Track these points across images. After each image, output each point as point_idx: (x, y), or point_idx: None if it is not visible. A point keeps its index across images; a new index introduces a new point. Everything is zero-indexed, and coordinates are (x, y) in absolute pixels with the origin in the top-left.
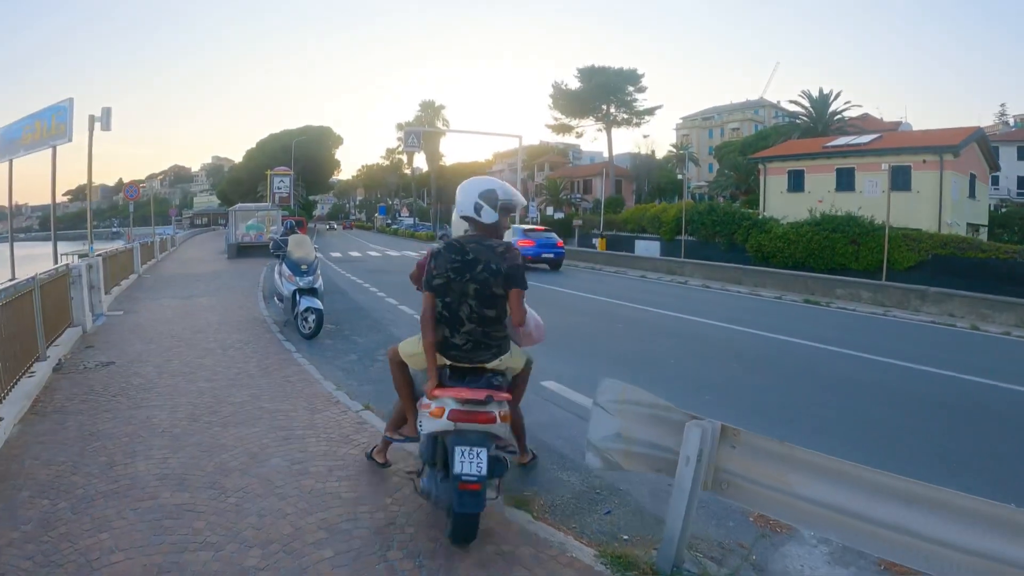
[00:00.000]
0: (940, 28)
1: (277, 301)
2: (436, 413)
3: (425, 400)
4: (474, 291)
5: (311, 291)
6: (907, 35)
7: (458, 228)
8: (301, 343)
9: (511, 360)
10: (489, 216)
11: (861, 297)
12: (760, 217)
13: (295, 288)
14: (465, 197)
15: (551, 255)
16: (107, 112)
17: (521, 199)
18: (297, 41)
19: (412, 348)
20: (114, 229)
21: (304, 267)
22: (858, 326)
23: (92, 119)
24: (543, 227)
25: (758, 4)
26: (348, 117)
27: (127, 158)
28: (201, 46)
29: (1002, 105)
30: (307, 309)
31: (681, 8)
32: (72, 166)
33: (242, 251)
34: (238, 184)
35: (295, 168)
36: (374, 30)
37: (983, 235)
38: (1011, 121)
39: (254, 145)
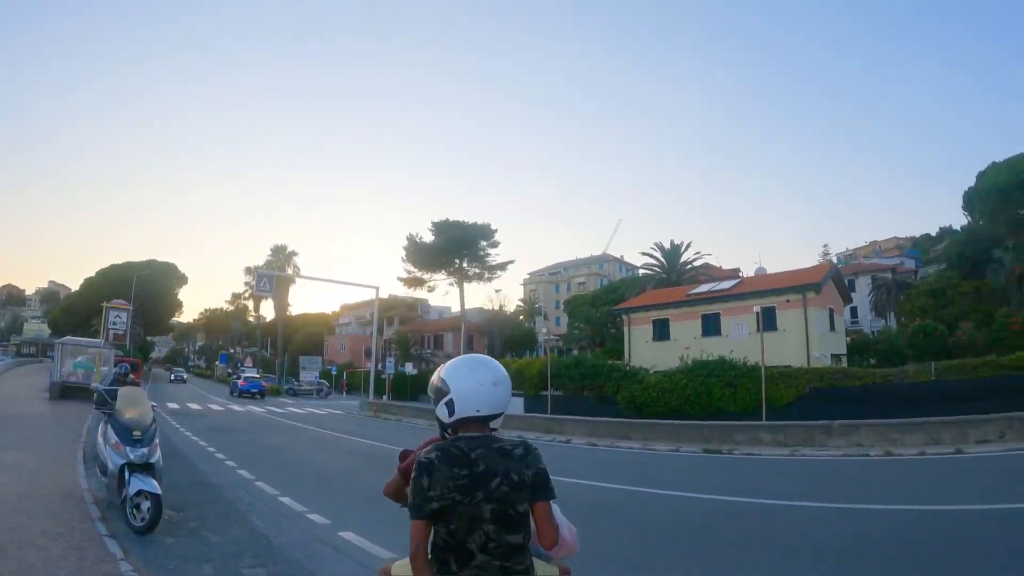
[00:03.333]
0: (763, 179)
1: (100, 474)
2: None
3: None
4: (491, 513)
5: (146, 467)
6: (735, 189)
7: (441, 415)
8: (132, 541)
9: None
10: (443, 416)
11: (762, 440)
12: (628, 368)
13: (124, 462)
14: (458, 383)
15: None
16: None
17: (495, 405)
18: (148, 173)
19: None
20: None
21: (137, 434)
22: (779, 471)
23: None
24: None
25: (600, 167)
26: (194, 256)
27: None
28: (52, 164)
29: (825, 245)
30: (140, 493)
31: (529, 166)
32: None
33: (67, 392)
34: (72, 314)
35: (134, 304)
36: (228, 170)
37: (844, 363)
38: (834, 259)
39: (94, 274)
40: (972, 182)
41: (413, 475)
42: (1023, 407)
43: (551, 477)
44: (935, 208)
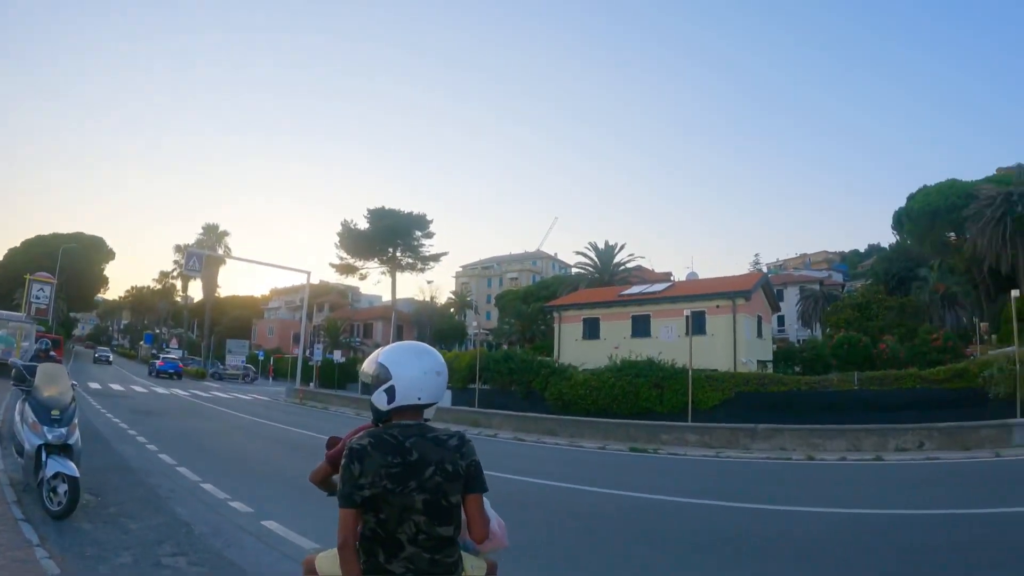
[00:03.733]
0: (698, 186)
1: (16, 454)
2: None
3: None
4: (423, 504)
5: (64, 448)
6: (671, 195)
7: (379, 402)
8: (48, 526)
9: None
10: (380, 403)
11: (688, 441)
12: (558, 365)
13: (41, 443)
14: (402, 370)
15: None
16: None
17: (433, 394)
18: (77, 142)
19: (335, 568)
20: None
21: (56, 413)
22: (704, 472)
23: None
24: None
25: (538, 165)
26: (122, 232)
27: None
28: None
29: (756, 255)
30: (57, 475)
31: (467, 160)
32: None
33: None
34: None
35: (59, 278)
36: (161, 145)
37: (770, 370)
38: (764, 268)
39: (18, 244)
40: (902, 202)
41: (343, 462)
42: (941, 418)
43: None
44: (865, 225)
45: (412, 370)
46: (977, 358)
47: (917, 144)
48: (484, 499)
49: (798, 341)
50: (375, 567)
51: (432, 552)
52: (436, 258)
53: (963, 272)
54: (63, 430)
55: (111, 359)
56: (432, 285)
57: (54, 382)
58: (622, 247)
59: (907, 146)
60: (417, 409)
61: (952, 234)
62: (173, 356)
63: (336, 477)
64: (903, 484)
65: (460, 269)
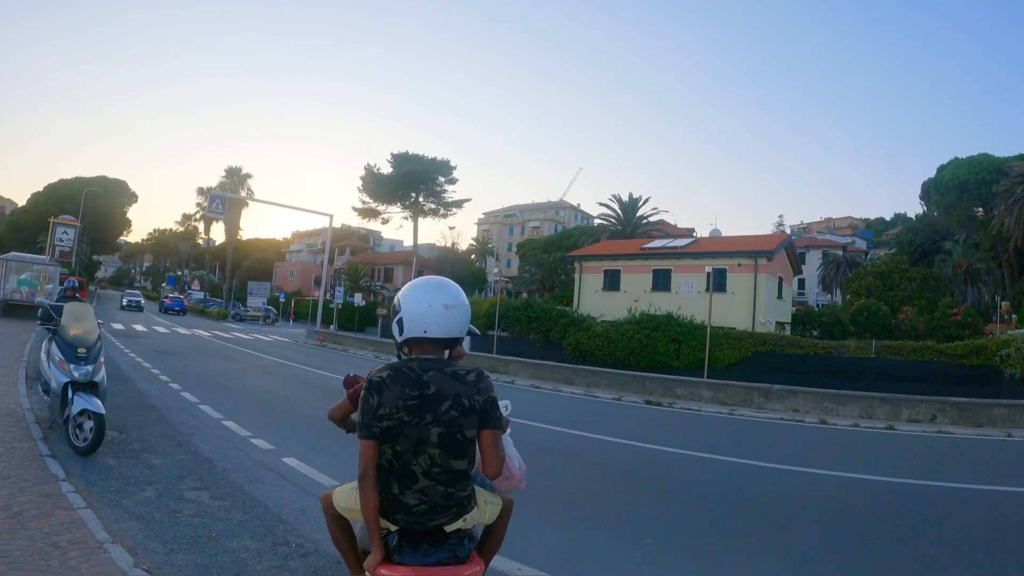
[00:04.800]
0: (727, 145)
1: (43, 392)
2: None
3: None
4: (439, 437)
5: (90, 386)
6: (698, 152)
7: (395, 333)
8: (73, 462)
9: (480, 516)
10: (398, 336)
11: (703, 396)
12: (577, 315)
13: (67, 380)
14: (409, 303)
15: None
16: None
17: (452, 329)
18: (100, 84)
19: (350, 501)
20: None
21: (82, 351)
22: (717, 428)
23: None
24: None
25: (565, 115)
26: (146, 175)
27: None
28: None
29: (780, 216)
30: (83, 412)
31: (494, 107)
32: None
33: (10, 310)
34: (18, 230)
35: (82, 221)
36: (186, 89)
37: (788, 332)
38: (788, 230)
39: (41, 188)
40: (932, 173)
41: (363, 394)
42: (955, 393)
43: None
44: (892, 194)
45: (418, 304)
46: (996, 336)
47: (951, 115)
48: (507, 440)
49: (818, 305)
50: (389, 498)
51: (445, 485)
52: (459, 204)
53: (988, 249)
54: (89, 367)
55: (142, 304)
56: (454, 231)
57: (80, 321)
58: (646, 200)
59: (941, 116)
60: (435, 344)
61: (980, 209)
62: (178, 295)
63: (355, 415)
64: (915, 454)
65: (482, 216)
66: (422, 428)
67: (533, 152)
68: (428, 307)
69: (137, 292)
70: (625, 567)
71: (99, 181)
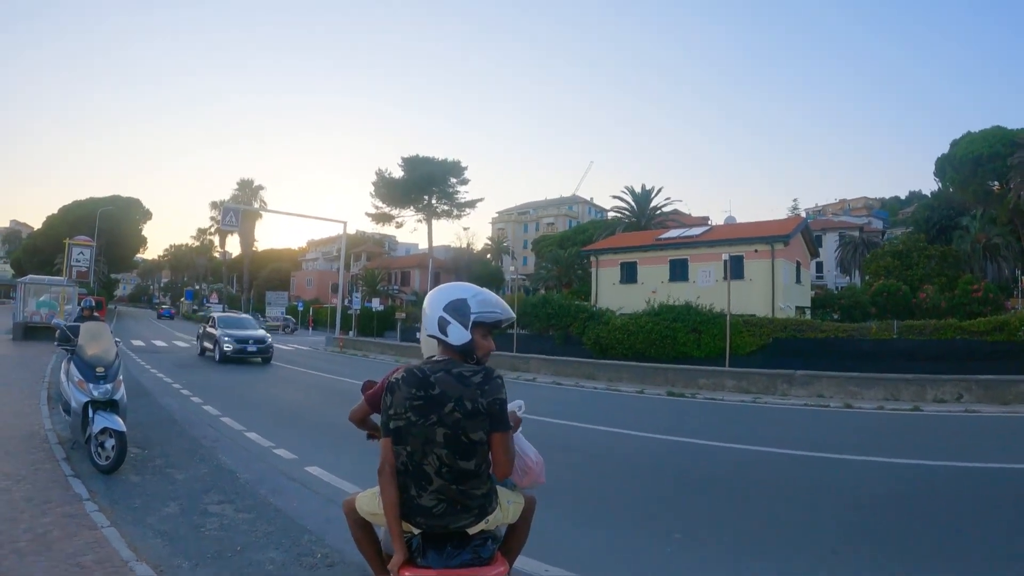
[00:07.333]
0: (736, 130)
1: (63, 412)
2: None
3: None
4: (443, 438)
5: (110, 404)
6: (708, 138)
7: (428, 349)
8: (96, 480)
9: (502, 516)
10: (458, 335)
11: (725, 386)
12: (595, 309)
13: (87, 400)
14: (430, 310)
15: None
16: None
17: (508, 311)
18: (112, 107)
19: (373, 505)
20: None
21: (100, 370)
22: (741, 417)
23: None
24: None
25: (574, 109)
26: (158, 191)
27: None
28: (12, 102)
29: (794, 200)
30: (104, 431)
31: (502, 105)
32: None
33: (30, 332)
34: (35, 253)
35: (98, 241)
36: (194, 103)
37: (808, 316)
38: (803, 213)
39: (56, 211)
40: (945, 149)
41: (383, 396)
42: (980, 370)
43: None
44: (906, 172)
45: (482, 292)
46: (1019, 311)
47: (961, 89)
48: (520, 436)
49: (836, 288)
50: (408, 501)
51: (458, 483)
52: (472, 204)
53: (1006, 223)
54: (108, 386)
55: (172, 314)
56: (468, 232)
57: (97, 340)
58: (659, 191)
59: (952, 91)
60: (454, 348)
61: (995, 183)
62: (166, 304)
63: (373, 416)
64: (944, 435)
65: (496, 215)
66: (428, 428)
67: (543, 149)
68: (432, 311)
69: (168, 306)
70: (653, 564)
71: (113, 200)
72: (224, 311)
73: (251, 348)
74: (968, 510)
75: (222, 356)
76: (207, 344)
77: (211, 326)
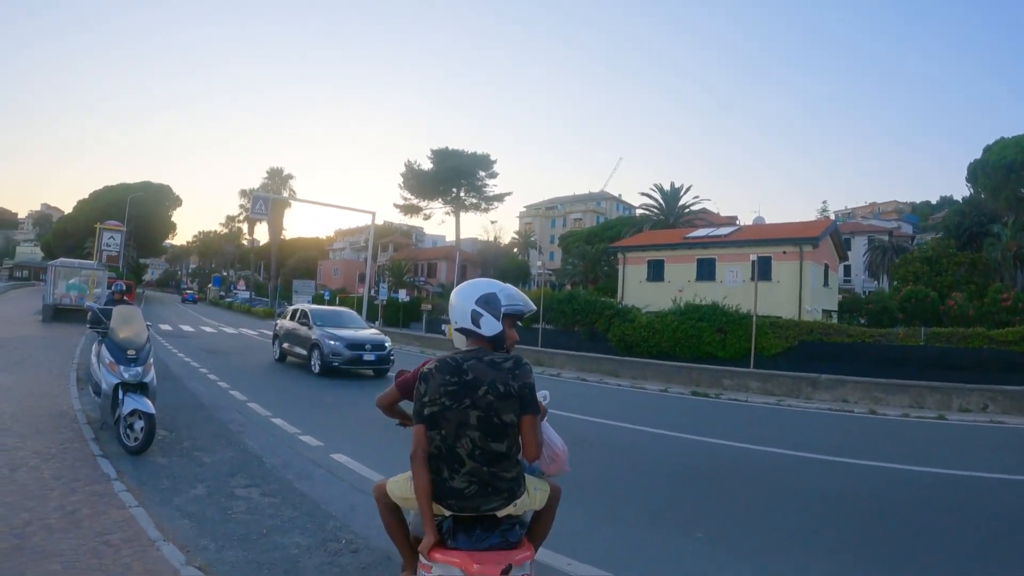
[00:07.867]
0: (767, 131)
1: (94, 394)
2: None
3: (424, 561)
4: (477, 420)
5: (140, 387)
6: (738, 138)
7: (457, 342)
8: (124, 461)
9: (529, 501)
10: (491, 327)
11: (750, 387)
12: (621, 306)
13: (118, 382)
14: (461, 304)
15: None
16: None
17: (530, 304)
18: (144, 94)
19: (404, 490)
20: None
21: (131, 353)
22: (765, 419)
23: None
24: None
25: (604, 105)
26: (188, 178)
27: None
28: (45, 87)
29: (824, 202)
30: (133, 412)
31: (533, 100)
32: None
33: (60, 314)
34: (65, 237)
35: (128, 226)
36: (226, 92)
37: (835, 320)
38: (832, 216)
39: (87, 196)
40: (978, 154)
41: (416, 385)
42: (1007, 381)
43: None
44: (937, 177)
45: (457, 301)
46: None
47: (997, 94)
48: (546, 425)
49: (864, 292)
50: (440, 484)
51: (489, 465)
52: (500, 198)
53: None
54: (139, 369)
55: (196, 299)
56: (496, 225)
57: (129, 323)
58: (688, 189)
59: (987, 95)
60: (479, 338)
61: None
62: (192, 289)
63: (401, 403)
64: (969, 445)
65: (524, 209)
66: (461, 412)
67: (572, 145)
68: (491, 294)
69: (192, 291)
70: (675, 561)
71: (143, 187)
72: (310, 302)
73: (368, 356)
74: (1000, 522)
75: (325, 366)
76: (297, 349)
77: (301, 321)
